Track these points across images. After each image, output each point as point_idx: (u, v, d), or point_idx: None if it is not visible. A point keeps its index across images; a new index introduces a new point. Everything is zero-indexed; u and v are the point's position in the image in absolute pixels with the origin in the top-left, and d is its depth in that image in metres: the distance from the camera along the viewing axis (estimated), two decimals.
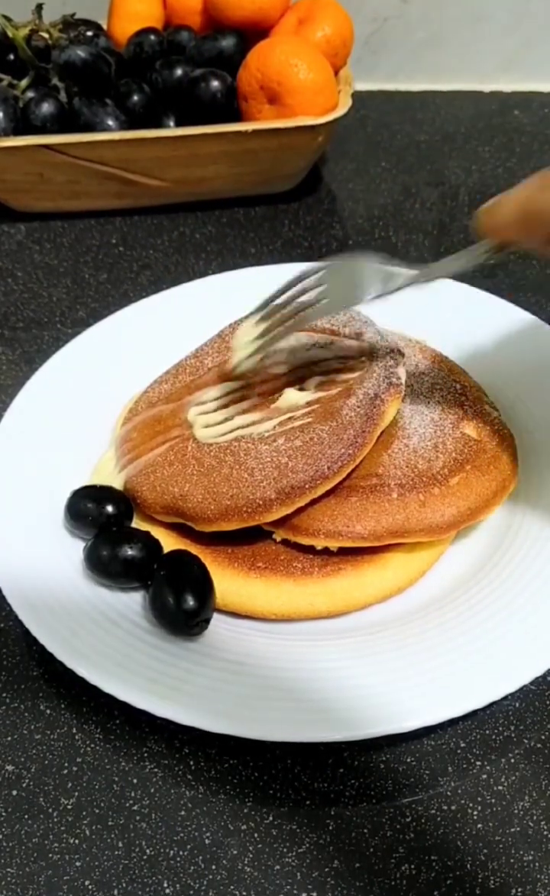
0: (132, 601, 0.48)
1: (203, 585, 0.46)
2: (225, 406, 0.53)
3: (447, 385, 0.55)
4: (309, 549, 0.49)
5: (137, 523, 0.53)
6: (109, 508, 0.51)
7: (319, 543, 0.49)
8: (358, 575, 0.49)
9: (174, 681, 0.44)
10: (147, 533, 0.50)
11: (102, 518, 0.50)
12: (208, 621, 0.46)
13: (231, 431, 0.51)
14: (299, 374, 0.53)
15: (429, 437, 0.52)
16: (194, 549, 0.49)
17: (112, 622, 0.47)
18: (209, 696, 0.43)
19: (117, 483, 0.53)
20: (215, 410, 0.53)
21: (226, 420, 0.52)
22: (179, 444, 0.52)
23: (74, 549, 0.50)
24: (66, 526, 0.51)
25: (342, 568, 0.49)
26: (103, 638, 0.46)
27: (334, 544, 0.48)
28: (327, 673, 0.45)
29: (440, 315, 0.63)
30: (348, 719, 0.42)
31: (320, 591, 0.48)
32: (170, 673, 0.44)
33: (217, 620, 0.48)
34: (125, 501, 0.52)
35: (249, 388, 0.54)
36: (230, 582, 0.49)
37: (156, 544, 0.49)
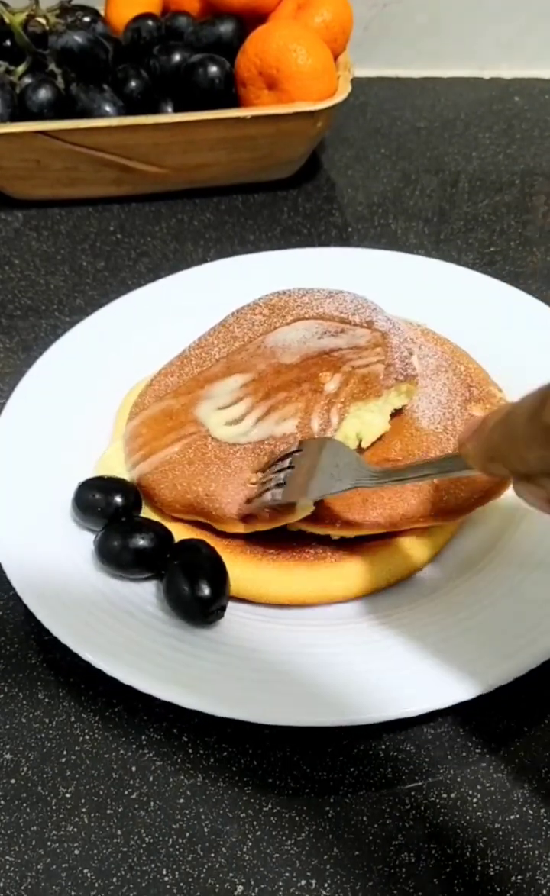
0: (142, 590, 0.48)
1: (218, 573, 0.46)
2: (240, 400, 0.52)
3: (452, 367, 0.55)
4: (322, 535, 0.49)
5: (145, 514, 0.52)
6: (118, 499, 0.50)
7: (335, 533, 0.48)
8: (371, 558, 0.49)
9: (180, 666, 0.44)
10: (158, 522, 0.50)
11: (110, 509, 0.50)
12: (224, 609, 0.46)
13: (253, 428, 0.50)
14: (311, 363, 0.52)
15: (438, 420, 0.52)
16: (206, 537, 0.49)
17: (124, 612, 0.47)
18: (215, 680, 0.43)
19: (128, 479, 0.53)
20: (230, 405, 0.52)
21: (245, 415, 0.51)
22: (197, 442, 0.51)
23: (82, 540, 0.50)
24: (74, 518, 0.51)
25: (355, 552, 0.49)
26: (115, 627, 0.46)
27: (350, 533, 0.48)
28: (329, 658, 0.44)
29: (441, 299, 0.63)
30: (349, 704, 0.42)
31: (335, 576, 0.48)
32: (176, 658, 0.44)
33: None
34: (134, 492, 0.51)
35: (261, 380, 0.52)
36: (243, 568, 0.48)
37: (167, 533, 0.49)
